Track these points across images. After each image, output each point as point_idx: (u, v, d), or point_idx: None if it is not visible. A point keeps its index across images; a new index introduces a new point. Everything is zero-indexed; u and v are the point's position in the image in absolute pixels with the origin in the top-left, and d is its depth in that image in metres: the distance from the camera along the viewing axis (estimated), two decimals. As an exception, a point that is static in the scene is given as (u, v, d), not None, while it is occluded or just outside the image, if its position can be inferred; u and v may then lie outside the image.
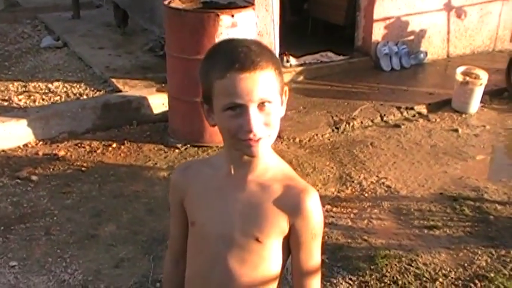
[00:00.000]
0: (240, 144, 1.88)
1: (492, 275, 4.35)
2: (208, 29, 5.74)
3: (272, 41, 7.26)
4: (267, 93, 1.83)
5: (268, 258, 2.00)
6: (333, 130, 6.68)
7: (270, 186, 1.98)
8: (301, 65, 8.18)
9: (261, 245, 1.97)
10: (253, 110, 1.82)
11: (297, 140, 6.37)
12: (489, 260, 4.53)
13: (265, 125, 1.85)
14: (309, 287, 2.04)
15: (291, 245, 2.01)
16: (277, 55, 7.03)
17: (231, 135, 1.88)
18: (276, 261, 2.01)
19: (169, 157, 5.98)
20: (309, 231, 1.98)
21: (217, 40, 5.68)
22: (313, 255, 2.02)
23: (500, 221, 5.07)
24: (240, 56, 1.82)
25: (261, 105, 1.83)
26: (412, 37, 9.01)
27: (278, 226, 1.97)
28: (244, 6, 6.05)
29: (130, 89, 7.16)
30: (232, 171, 1.99)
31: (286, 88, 1.96)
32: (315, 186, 5.27)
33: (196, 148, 6.10)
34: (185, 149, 6.11)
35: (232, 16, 5.77)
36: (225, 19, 5.73)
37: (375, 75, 8.38)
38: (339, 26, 9.46)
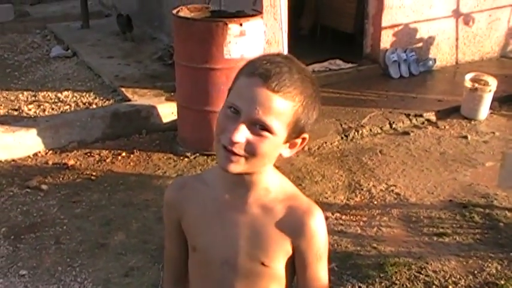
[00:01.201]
0: (219, 149, 1.78)
1: (502, 282, 4.34)
2: (216, 38, 5.75)
3: (281, 49, 7.26)
4: (270, 120, 1.72)
5: (276, 280, 1.95)
6: (342, 138, 6.68)
7: (273, 208, 1.90)
8: (310, 73, 8.18)
9: (267, 268, 1.91)
10: (243, 126, 1.72)
11: (306, 148, 6.36)
12: (499, 267, 4.52)
13: (248, 144, 1.74)
14: None
15: (296, 266, 1.95)
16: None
17: (216, 133, 1.79)
18: (283, 281, 1.96)
19: (178, 166, 5.99)
20: (314, 252, 1.91)
21: (225, 48, 5.72)
22: (319, 276, 1.96)
23: (510, 227, 5.06)
24: (275, 70, 1.73)
25: (258, 128, 1.73)
26: (420, 44, 9.00)
27: (283, 249, 1.90)
28: (253, 15, 6.06)
29: (139, 98, 7.18)
30: (230, 194, 1.92)
31: (305, 136, 1.87)
32: (324, 194, 5.30)
33: (205, 157, 6.10)
34: (194, 157, 6.12)
35: (241, 25, 5.77)
36: (233, 28, 5.74)
37: (384, 83, 8.37)
38: (347, 34, 9.46)
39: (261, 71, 1.72)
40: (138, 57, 8.75)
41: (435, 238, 4.89)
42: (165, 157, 6.16)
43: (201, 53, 5.86)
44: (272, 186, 1.92)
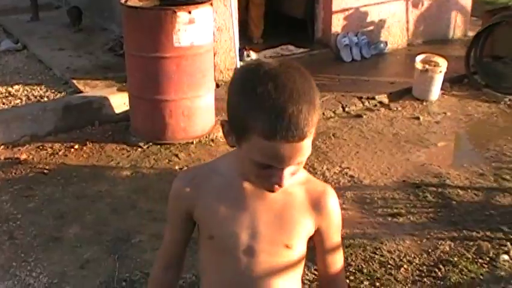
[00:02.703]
0: (263, 186, 1.84)
1: (456, 259, 4.40)
2: (165, 26, 5.71)
3: (232, 36, 7.26)
4: (304, 157, 1.75)
5: (297, 258, 2.00)
6: (295, 122, 6.68)
7: (292, 192, 1.93)
8: (262, 59, 8.19)
9: (290, 250, 1.96)
10: (287, 170, 1.76)
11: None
12: (452, 245, 4.58)
13: (292, 175, 1.80)
14: (338, 279, 2.14)
15: (316, 243, 2.04)
16: (237, 50, 7.09)
17: (254, 177, 1.83)
18: (303, 258, 2.03)
19: (131, 156, 5.95)
20: (333, 229, 2.02)
21: (175, 37, 5.69)
22: (337, 248, 2.08)
23: (462, 205, 5.13)
24: (291, 122, 1.65)
25: (296, 164, 1.76)
26: (371, 27, 9.06)
27: (305, 229, 1.97)
28: (202, 2, 6.01)
29: (91, 89, 7.11)
30: (249, 182, 1.92)
31: None
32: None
33: (158, 146, 6.08)
34: (148, 147, 6.09)
35: (190, 13, 5.74)
36: (182, 16, 5.71)
37: (336, 67, 8.41)
38: (298, 19, 9.47)
39: (279, 132, 1.65)
40: (89, 49, 8.67)
41: (389, 218, 4.93)
42: (118, 148, 6.12)
43: (151, 42, 5.82)
44: None
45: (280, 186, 1.78)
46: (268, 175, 1.76)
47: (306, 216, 1.95)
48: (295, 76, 1.72)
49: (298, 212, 1.94)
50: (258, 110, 1.68)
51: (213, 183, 1.98)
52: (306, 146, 1.71)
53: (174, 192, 2.06)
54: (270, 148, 1.68)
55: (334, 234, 2.03)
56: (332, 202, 1.98)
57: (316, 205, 1.95)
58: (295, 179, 1.84)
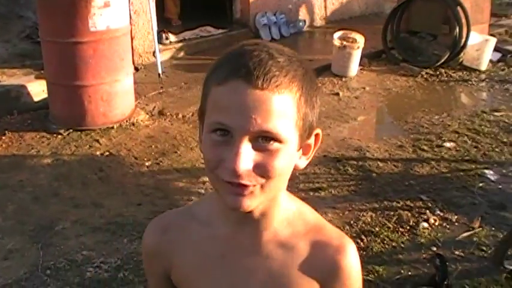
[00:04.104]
0: (221, 186, 1.35)
1: (377, 229, 4.48)
2: (80, 11, 5.64)
3: (149, 19, 7.22)
4: (275, 126, 1.28)
5: None
6: (216, 102, 6.70)
7: (294, 245, 1.49)
8: (180, 41, 8.19)
9: None
10: (245, 144, 1.28)
11: (180, 115, 6.37)
12: (374, 216, 4.67)
13: (258, 169, 1.30)
14: None
15: None
16: (156, 33, 7.05)
17: (209, 169, 1.35)
18: None
19: (52, 144, 5.87)
20: None
21: (90, 21, 5.63)
22: None
23: (382, 177, 5.24)
24: (252, 61, 1.28)
25: (263, 141, 1.29)
26: (290, 6, 9.14)
27: None
28: (117, -15, 5.98)
29: (8, 78, 6.98)
30: (237, 232, 1.50)
31: (318, 131, 1.44)
32: (200, 160, 5.32)
33: (79, 132, 6.02)
34: (68, 134, 6.01)
35: (105, -4, 5.70)
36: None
37: (255, 47, 8.42)
38: (217, 0, 9.48)
39: (237, 70, 1.28)
40: (6, 37, 8.49)
41: (311, 193, 4.99)
42: (38, 136, 6.03)
43: (66, 27, 5.74)
44: (289, 216, 1.51)
45: (237, 174, 1.29)
46: (222, 156, 1.31)
47: (310, 279, 1.49)
48: (284, 49, 1.38)
49: (301, 273, 1.49)
50: (223, 59, 1.36)
51: (192, 236, 1.57)
52: (276, 105, 1.28)
53: (145, 251, 1.67)
54: (225, 95, 1.29)
55: None
56: (349, 261, 1.49)
57: (327, 266, 1.49)
58: (264, 191, 1.36)
